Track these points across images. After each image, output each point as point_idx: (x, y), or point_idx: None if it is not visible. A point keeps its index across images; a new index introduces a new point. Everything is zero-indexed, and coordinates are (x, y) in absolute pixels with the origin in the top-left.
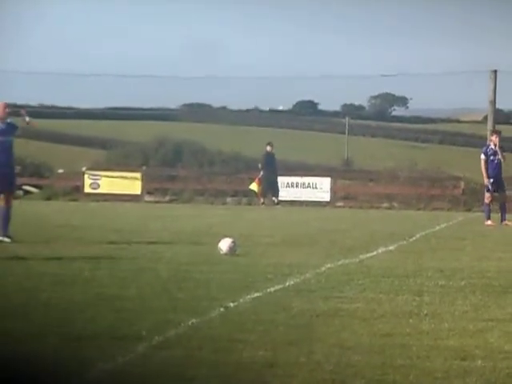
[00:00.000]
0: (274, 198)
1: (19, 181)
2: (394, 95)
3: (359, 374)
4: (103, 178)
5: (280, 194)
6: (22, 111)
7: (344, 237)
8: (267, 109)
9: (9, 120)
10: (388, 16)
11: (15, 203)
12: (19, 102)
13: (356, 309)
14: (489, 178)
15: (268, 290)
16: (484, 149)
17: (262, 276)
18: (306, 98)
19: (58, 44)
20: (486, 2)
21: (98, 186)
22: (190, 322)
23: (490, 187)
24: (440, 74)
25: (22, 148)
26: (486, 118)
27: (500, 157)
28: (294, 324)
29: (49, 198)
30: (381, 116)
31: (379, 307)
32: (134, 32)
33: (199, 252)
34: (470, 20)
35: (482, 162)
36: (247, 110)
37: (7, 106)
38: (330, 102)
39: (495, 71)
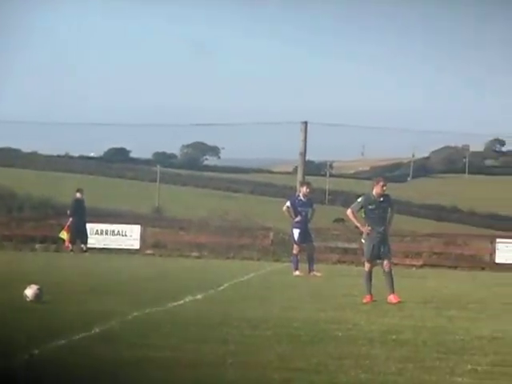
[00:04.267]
0: (82, 245)
1: None
2: (206, 144)
3: None
4: None
5: (89, 241)
6: None
7: (152, 285)
8: (78, 155)
9: None
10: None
11: None
12: None
13: (161, 357)
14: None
15: (73, 337)
16: (292, 198)
17: (68, 323)
18: (118, 145)
19: None
20: (299, 54)
21: None
22: None
23: (296, 239)
24: (252, 124)
25: None
26: (296, 169)
27: (310, 208)
28: (99, 372)
29: None
30: (193, 165)
31: (185, 356)
32: None
33: (4, 299)
34: (284, 71)
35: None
36: (58, 156)
37: None
38: (142, 150)
39: (306, 123)
